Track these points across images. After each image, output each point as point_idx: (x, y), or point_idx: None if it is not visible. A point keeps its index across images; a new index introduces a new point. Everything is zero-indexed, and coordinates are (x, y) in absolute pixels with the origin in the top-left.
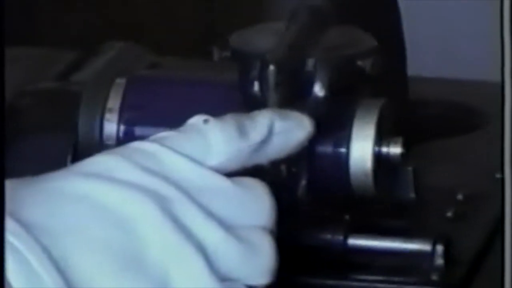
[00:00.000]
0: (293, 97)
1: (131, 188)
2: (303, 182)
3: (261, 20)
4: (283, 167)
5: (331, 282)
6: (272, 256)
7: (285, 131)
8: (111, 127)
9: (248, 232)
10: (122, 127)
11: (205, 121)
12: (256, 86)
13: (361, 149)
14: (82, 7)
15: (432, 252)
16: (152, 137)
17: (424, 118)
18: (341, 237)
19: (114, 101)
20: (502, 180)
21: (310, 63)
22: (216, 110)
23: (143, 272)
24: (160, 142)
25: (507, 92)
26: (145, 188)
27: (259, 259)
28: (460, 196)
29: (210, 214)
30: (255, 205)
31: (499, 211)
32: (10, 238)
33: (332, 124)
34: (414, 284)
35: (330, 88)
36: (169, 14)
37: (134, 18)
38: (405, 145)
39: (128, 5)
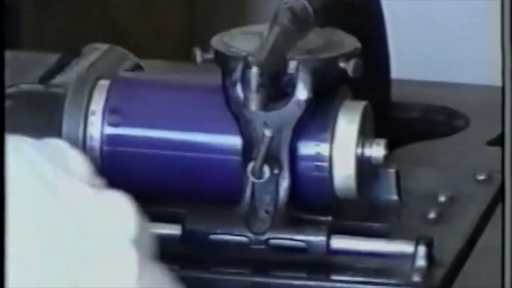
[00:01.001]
0: (275, 99)
1: None
2: (286, 184)
3: (246, 23)
4: (266, 169)
5: (313, 283)
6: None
7: None
8: (94, 129)
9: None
10: (105, 129)
11: None
12: (238, 88)
13: (344, 151)
14: (66, 11)
15: (414, 254)
16: None
17: (406, 120)
18: (323, 239)
19: (97, 103)
20: (502, 179)
21: (292, 65)
22: (198, 112)
23: None
24: None
25: (507, 93)
26: None
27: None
28: (442, 198)
29: None
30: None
31: (481, 212)
32: None
33: (314, 126)
34: (396, 285)
35: (312, 90)
36: (154, 17)
37: (118, 21)
38: (387, 147)
39: (112, 9)
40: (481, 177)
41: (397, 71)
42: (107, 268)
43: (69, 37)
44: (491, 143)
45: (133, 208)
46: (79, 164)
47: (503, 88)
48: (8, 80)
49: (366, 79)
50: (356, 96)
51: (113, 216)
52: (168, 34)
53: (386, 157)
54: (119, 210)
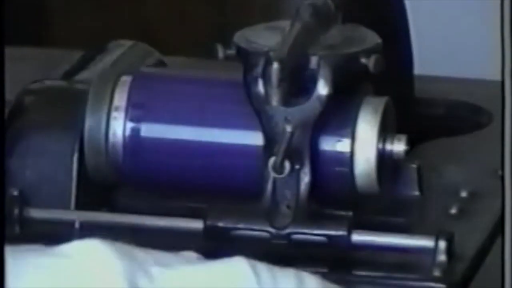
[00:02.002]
0: (296, 94)
1: None
2: (307, 179)
3: (274, 20)
4: (287, 164)
5: (334, 277)
6: None
7: None
8: (117, 124)
9: None
10: (128, 125)
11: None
12: (260, 84)
13: (365, 146)
14: (92, 8)
15: (435, 248)
16: None
17: (429, 116)
18: (344, 233)
19: (120, 99)
20: (502, 180)
21: (314, 61)
22: (220, 107)
23: None
24: None
25: (507, 92)
26: None
27: None
28: (464, 193)
29: None
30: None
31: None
32: None
33: (336, 122)
34: (416, 280)
35: (333, 85)
36: (182, 14)
37: (145, 18)
38: (408, 143)
39: (139, 6)
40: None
41: (421, 67)
42: None
43: (97, 34)
44: None
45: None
46: None
47: (503, 88)
48: (36, 77)
49: (389, 75)
50: (379, 92)
51: None
52: (196, 32)
53: (408, 153)
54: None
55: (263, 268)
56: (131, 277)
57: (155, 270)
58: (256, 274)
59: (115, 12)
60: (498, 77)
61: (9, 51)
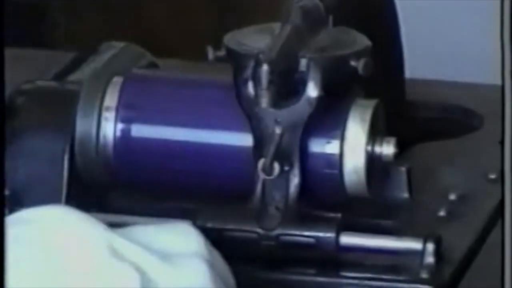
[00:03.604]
0: (286, 96)
1: None
2: (296, 181)
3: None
4: (276, 166)
5: (322, 279)
6: (202, 277)
7: None
8: (108, 125)
9: (182, 259)
10: (119, 125)
11: None
12: (250, 86)
13: (354, 148)
14: (91, 10)
15: (423, 251)
16: None
17: (420, 119)
18: (333, 235)
19: (111, 100)
20: (502, 181)
21: (303, 63)
22: (210, 109)
23: None
24: None
25: (507, 93)
26: None
27: (190, 279)
28: (453, 196)
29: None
30: (184, 237)
31: (491, 211)
32: None
33: (325, 124)
34: (404, 282)
35: (323, 87)
36: (183, 17)
37: (144, 20)
38: (398, 145)
39: (139, 8)
40: (492, 176)
41: (413, 70)
42: None
43: (96, 36)
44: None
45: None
46: None
47: (502, 88)
48: (28, 77)
49: (379, 77)
50: (370, 95)
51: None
52: (196, 35)
53: (397, 155)
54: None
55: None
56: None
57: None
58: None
59: (114, 14)
60: (490, 81)
61: (7, 52)
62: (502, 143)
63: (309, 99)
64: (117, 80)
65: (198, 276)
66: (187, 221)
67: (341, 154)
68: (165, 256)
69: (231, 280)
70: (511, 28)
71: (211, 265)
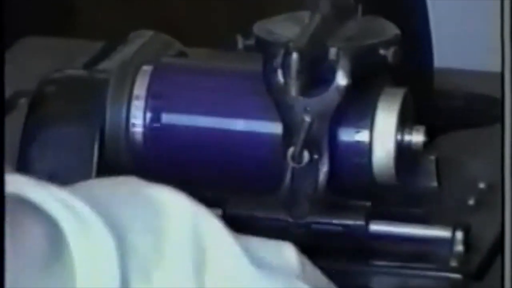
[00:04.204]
0: (315, 85)
1: None
2: (325, 169)
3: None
4: (305, 154)
5: (352, 267)
6: None
7: None
8: (138, 113)
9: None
10: (148, 114)
11: None
12: (279, 74)
13: (384, 137)
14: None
15: (452, 239)
16: None
17: (448, 109)
18: (362, 223)
19: (140, 88)
20: (502, 181)
21: (333, 52)
22: (239, 98)
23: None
24: None
25: (507, 93)
26: None
27: None
28: (481, 185)
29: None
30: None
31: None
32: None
33: (354, 112)
34: (433, 270)
35: (351, 76)
36: (203, 5)
37: (168, 9)
38: (427, 134)
39: None
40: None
41: (440, 59)
42: None
43: (121, 25)
44: None
45: None
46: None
47: (502, 87)
48: (60, 67)
49: (408, 66)
50: (398, 84)
51: None
52: (218, 23)
53: (426, 144)
54: None
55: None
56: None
57: None
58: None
59: (139, 3)
60: None
61: (32, 40)
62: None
63: (338, 88)
64: (147, 69)
65: None
66: (287, 243)
67: (370, 143)
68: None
69: None
70: (511, 28)
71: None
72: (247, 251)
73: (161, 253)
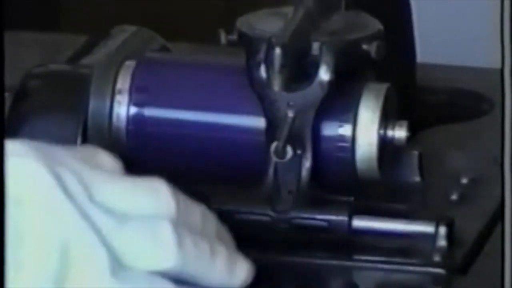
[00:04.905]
0: (298, 80)
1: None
2: (308, 164)
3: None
4: (288, 149)
5: (335, 262)
6: (169, 242)
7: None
8: (121, 108)
9: (146, 221)
10: (132, 108)
11: None
12: (262, 69)
13: (367, 132)
14: None
15: (435, 234)
16: None
17: (431, 104)
18: (345, 218)
19: (123, 83)
20: (502, 177)
21: (316, 46)
22: (223, 92)
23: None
24: None
25: (507, 93)
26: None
27: (155, 245)
28: (464, 180)
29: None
30: (152, 197)
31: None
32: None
33: (337, 107)
34: (417, 265)
35: (335, 71)
36: (186, 1)
37: (151, 4)
38: (410, 129)
39: None
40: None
41: (423, 55)
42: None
43: (104, 20)
44: None
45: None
46: (110, 162)
47: (502, 88)
48: (43, 61)
49: (391, 61)
50: (381, 79)
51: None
52: (201, 18)
53: (409, 139)
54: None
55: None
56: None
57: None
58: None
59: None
60: (499, 65)
61: (17, 35)
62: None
63: (321, 83)
64: (130, 64)
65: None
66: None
67: (353, 138)
68: (124, 218)
69: (223, 234)
70: (511, 28)
71: (178, 225)
72: (122, 213)
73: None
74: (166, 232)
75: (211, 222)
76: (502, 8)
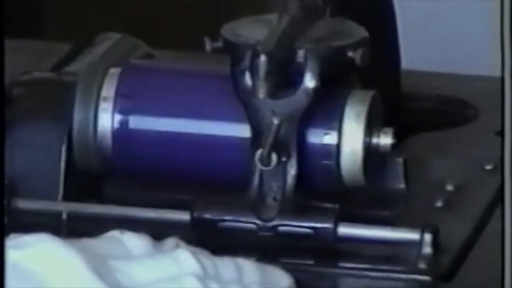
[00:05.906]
0: (283, 87)
1: None
2: (294, 172)
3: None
4: (273, 157)
5: (320, 269)
6: None
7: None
8: (106, 115)
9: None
10: (117, 116)
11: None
12: (247, 76)
13: (352, 139)
14: (84, 1)
15: (420, 241)
16: None
17: (416, 111)
18: (330, 226)
19: (108, 90)
20: (502, 178)
21: (301, 54)
22: (208, 99)
23: None
24: None
25: (507, 92)
26: None
27: None
28: (449, 187)
29: None
30: (174, 264)
31: (488, 201)
32: None
33: (323, 115)
34: (402, 272)
35: (320, 78)
36: (171, 8)
37: (136, 11)
38: (395, 136)
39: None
40: (488, 167)
41: (408, 62)
42: None
43: (88, 27)
44: (499, 133)
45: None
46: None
47: (502, 88)
48: (27, 69)
49: (376, 69)
50: (366, 86)
51: None
52: (186, 25)
53: (394, 146)
54: None
55: (204, 256)
56: (96, 269)
57: (112, 263)
58: (199, 262)
59: (107, 5)
60: (485, 72)
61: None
62: (499, 134)
63: (306, 90)
64: (114, 71)
65: None
66: (183, 249)
67: (338, 145)
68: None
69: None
70: (511, 28)
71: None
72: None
73: None
74: (191, 282)
75: (249, 270)
76: (502, 8)
